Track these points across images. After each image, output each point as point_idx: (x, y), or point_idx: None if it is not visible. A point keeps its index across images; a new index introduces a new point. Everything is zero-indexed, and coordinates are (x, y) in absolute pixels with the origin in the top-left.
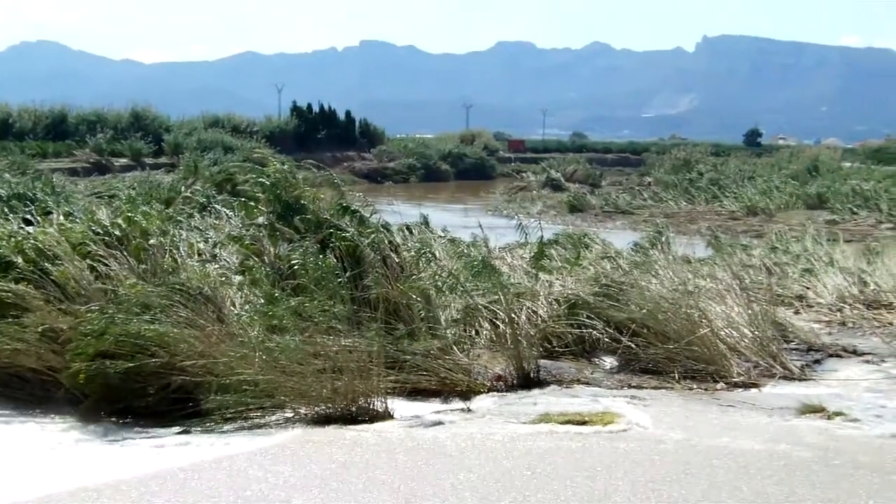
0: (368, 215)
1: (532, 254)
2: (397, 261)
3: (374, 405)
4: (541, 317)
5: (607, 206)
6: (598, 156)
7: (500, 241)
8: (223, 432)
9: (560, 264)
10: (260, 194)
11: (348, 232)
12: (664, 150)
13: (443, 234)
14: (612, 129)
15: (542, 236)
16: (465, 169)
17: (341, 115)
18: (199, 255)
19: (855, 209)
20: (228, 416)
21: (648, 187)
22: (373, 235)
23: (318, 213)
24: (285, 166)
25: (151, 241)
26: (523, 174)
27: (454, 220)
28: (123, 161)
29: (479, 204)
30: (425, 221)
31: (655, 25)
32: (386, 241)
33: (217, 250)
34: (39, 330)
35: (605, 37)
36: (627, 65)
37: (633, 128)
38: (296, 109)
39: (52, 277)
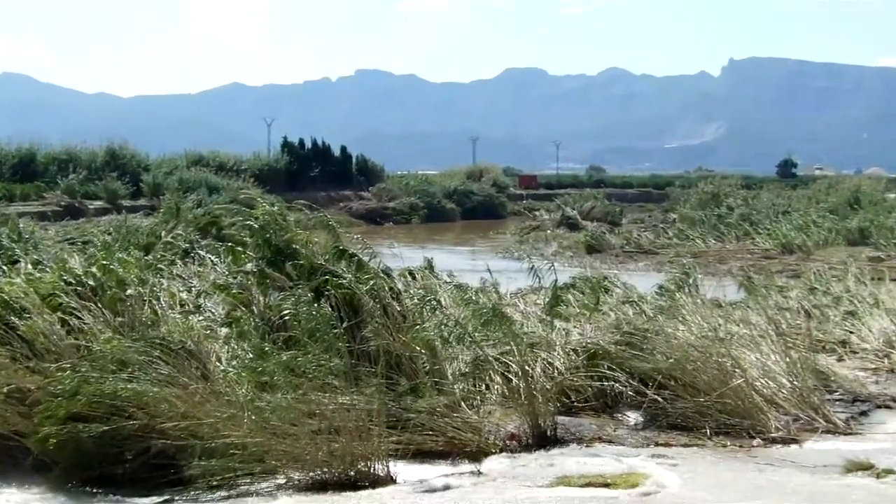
0: (367, 260)
1: (547, 299)
2: (399, 309)
3: (374, 469)
4: (557, 369)
5: (628, 245)
6: (617, 191)
7: (512, 286)
8: (208, 501)
9: (578, 310)
10: (248, 238)
11: (345, 278)
12: (689, 183)
13: (449, 280)
14: (632, 161)
15: (556, 280)
16: (473, 207)
17: (336, 151)
18: (182, 305)
19: None
20: (214, 483)
21: (673, 224)
22: (372, 282)
23: (312, 259)
24: (275, 207)
25: (129, 292)
26: (536, 212)
27: (461, 263)
28: (98, 204)
29: (488, 245)
30: (429, 266)
31: (677, 48)
32: (386, 288)
33: (201, 300)
34: (5, 391)
35: (622, 62)
36: (647, 91)
37: (654, 160)
38: (286, 145)
39: (18, 332)
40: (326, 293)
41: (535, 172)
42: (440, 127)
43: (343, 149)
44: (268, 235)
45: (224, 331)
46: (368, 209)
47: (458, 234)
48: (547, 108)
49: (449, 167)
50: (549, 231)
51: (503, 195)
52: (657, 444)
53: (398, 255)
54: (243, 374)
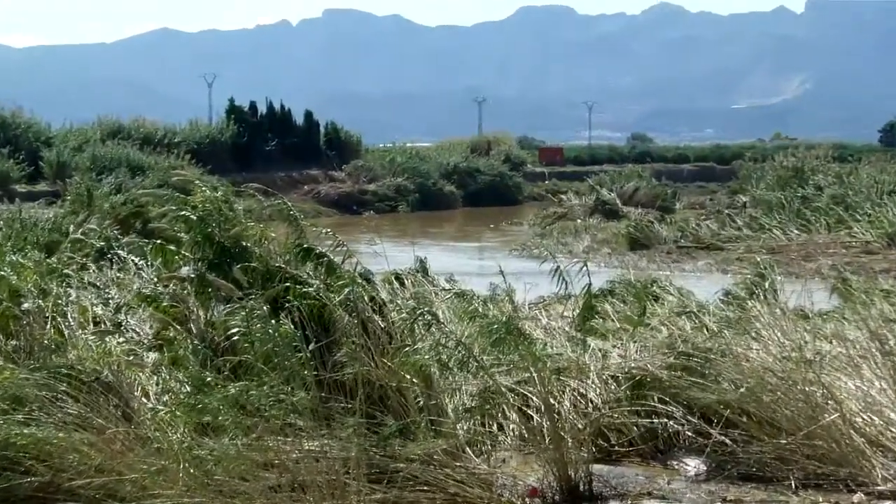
0: (340, 261)
1: (577, 311)
2: (383, 326)
3: None
4: (592, 402)
5: (684, 238)
6: (668, 167)
7: (531, 294)
8: None
9: (618, 325)
10: (183, 234)
11: (311, 286)
12: (764, 155)
13: (448, 286)
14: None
15: (590, 285)
16: (479, 191)
17: (299, 118)
18: (96, 323)
19: None
20: None
21: (743, 210)
22: (347, 290)
23: (268, 260)
24: (219, 193)
25: (25, 306)
26: (562, 196)
27: (464, 264)
28: None
29: (499, 240)
30: (422, 268)
31: None
32: (366, 299)
33: (122, 316)
34: None
35: None
36: (708, 35)
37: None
38: (233, 110)
39: None
40: (287, 305)
41: (560, 144)
42: (435, 85)
43: (308, 115)
44: (209, 230)
45: (152, 356)
46: (342, 194)
47: (459, 225)
48: (576, 59)
49: (447, 138)
50: (578, 221)
51: (518, 174)
52: (726, 501)
53: (381, 254)
54: (178, 413)
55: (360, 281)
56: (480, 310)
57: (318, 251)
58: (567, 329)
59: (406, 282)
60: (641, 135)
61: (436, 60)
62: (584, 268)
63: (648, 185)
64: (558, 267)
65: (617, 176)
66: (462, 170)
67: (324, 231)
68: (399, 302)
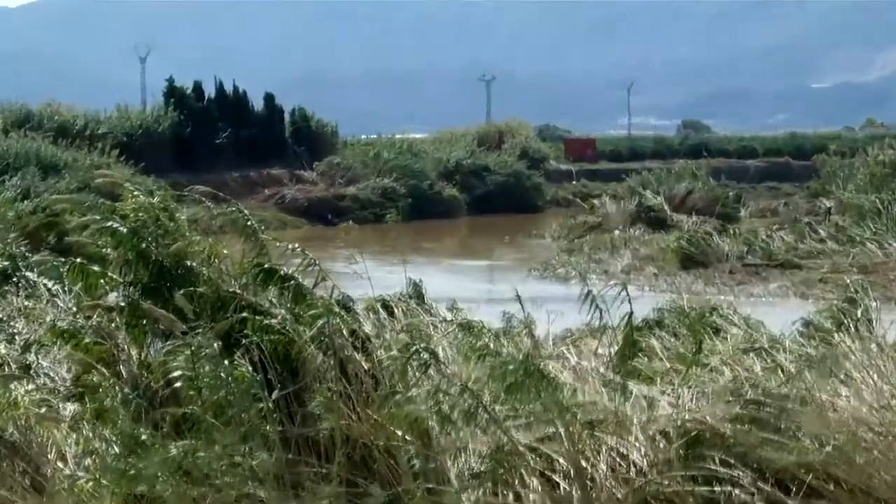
0: (311, 285)
1: (616, 347)
2: (367, 367)
3: None
4: (635, 465)
5: (751, 254)
6: (730, 163)
7: (557, 326)
8: None
9: (668, 365)
10: (110, 251)
11: (275, 316)
12: (853, 148)
13: (450, 316)
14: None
15: (631, 314)
16: (488, 194)
17: (258, 103)
18: None
19: None
20: None
21: (827, 218)
22: (321, 322)
23: (219, 284)
24: (156, 199)
25: None
26: (594, 201)
27: (470, 288)
28: None
29: (514, 258)
30: (417, 293)
31: None
32: (345, 332)
33: (31, 357)
34: None
35: None
36: None
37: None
38: (174, 93)
39: None
40: (244, 341)
41: (591, 134)
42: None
43: (269, 99)
44: (144, 246)
45: (70, 408)
46: (313, 199)
47: (463, 238)
48: (610, 27)
49: (447, 128)
50: (616, 232)
51: (538, 173)
52: None
53: (364, 275)
54: (104, 481)
55: (337, 310)
56: (491, 346)
57: (283, 272)
58: (602, 371)
59: (396, 311)
60: (695, 122)
61: (431, 31)
62: (624, 292)
63: (705, 186)
64: (590, 291)
65: (664, 175)
66: (466, 168)
67: (291, 247)
68: (387, 336)
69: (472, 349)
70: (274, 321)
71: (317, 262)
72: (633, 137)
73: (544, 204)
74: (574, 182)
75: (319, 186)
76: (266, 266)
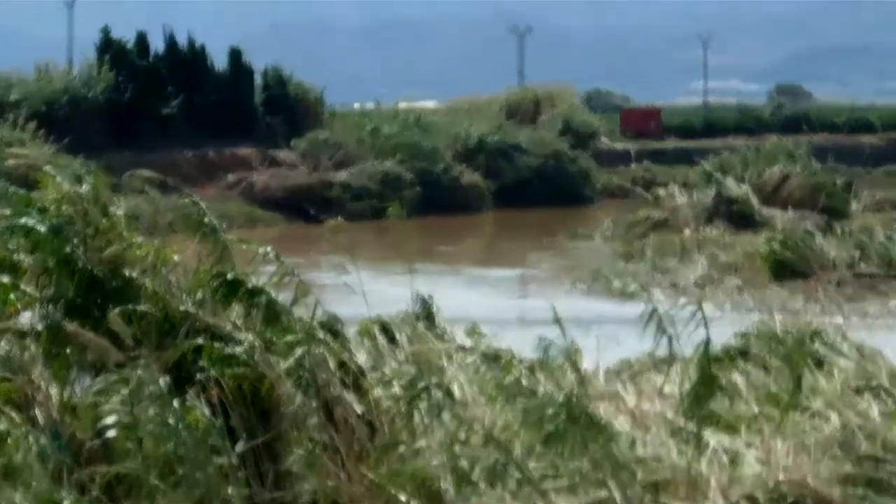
0: (289, 301)
1: (687, 385)
2: (360, 411)
3: None
4: None
5: (865, 261)
6: (838, 140)
7: (610, 355)
8: None
9: (756, 409)
10: (24, 257)
11: (240, 343)
12: None
13: (469, 342)
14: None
15: (708, 341)
16: (521, 182)
17: (220, 61)
18: None
19: None
20: None
21: None
22: (300, 350)
23: (168, 300)
24: (84, 187)
25: None
26: (660, 190)
27: (497, 306)
28: None
29: (555, 265)
30: (426, 312)
31: None
32: (332, 365)
33: None
34: None
35: None
36: None
37: None
38: (110, 48)
39: None
40: (200, 376)
41: (656, 104)
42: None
43: (235, 56)
44: (69, 250)
45: None
46: (292, 188)
47: (488, 239)
48: None
49: (468, 94)
50: (688, 232)
51: (586, 153)
52: None
53: (358, 289)
54: None
55: (321, 335)
56: (525, 383)
57: (251, 285)
58: (670, 416)
59: (399, 336)
60: (792, 86)
61: None
62: (699, 312)
63: (806, 170)
64: (654, 310)
65: (752, 156)
66: (492, 147)
67: (262, 251)
68: (388, 370)
69: (499, 387)
70: (239, 350)
71: (296, 271)
72: (710, 107)
73: (593, 194)
74: (633, 166)
75: (300, 171)
76: (229, 277)
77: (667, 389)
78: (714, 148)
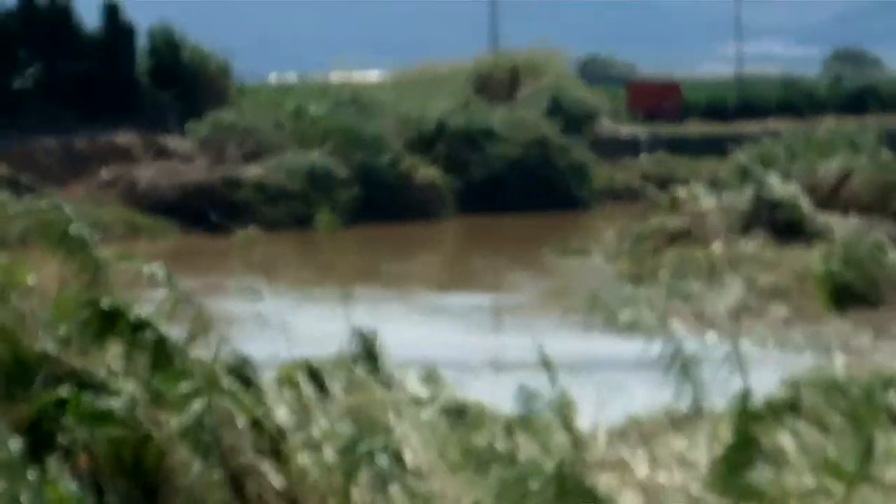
0: (186, 340)
1: (718, 449)
2: (279, 487)
3: None
4: None
5: None
6: None
7: (615, 411)
8: None
9: (810, 481)
10: None
11: (118, 394)
12: None
13: (427, 393)
14: None
15: (746, 391)
16: (494, 179)
17: (91, 18)
18: None
19: None
20: None
21: None
22: (198, 404)
23: (19, 337)
24: None
25: None
26: (680, 190)
27: (463, 344)
28: None
29: (541, 290)
30: (368, 352)
31: None
32: (242, 423)
33: None
34: None
35: None
36: None
37: None
38: None
39: None
40: (65, 440)
41: (673, 75)
42: None
43: (111, 11)
44: None
45: None
46: (188, 187)
47: (450, 257)
48: None
49: (423, 62)
50: (717, 245)
51: (581, 140)
52: None
53: (274, 321)
54: None
55: (227, 384)
56: (500, 446)
57: (134, 316)
58: (694, 491)
59: (332, 384)
60: (853, 51)
61: None
62: (734, 351)
63: (873, 164)
64: (674, 350)
65: (802, 145)
66: (456, 132)
67: (149, 270)
68: (317, 429)
69: (467, 451)
70: (116, 403)
71: (194, 297)
72: (745, 79)
73: (591, 196)
74: (643, 157)
75: (198, 164)
76: (104, 305)
77: (690, 456)
78: (751, 134)
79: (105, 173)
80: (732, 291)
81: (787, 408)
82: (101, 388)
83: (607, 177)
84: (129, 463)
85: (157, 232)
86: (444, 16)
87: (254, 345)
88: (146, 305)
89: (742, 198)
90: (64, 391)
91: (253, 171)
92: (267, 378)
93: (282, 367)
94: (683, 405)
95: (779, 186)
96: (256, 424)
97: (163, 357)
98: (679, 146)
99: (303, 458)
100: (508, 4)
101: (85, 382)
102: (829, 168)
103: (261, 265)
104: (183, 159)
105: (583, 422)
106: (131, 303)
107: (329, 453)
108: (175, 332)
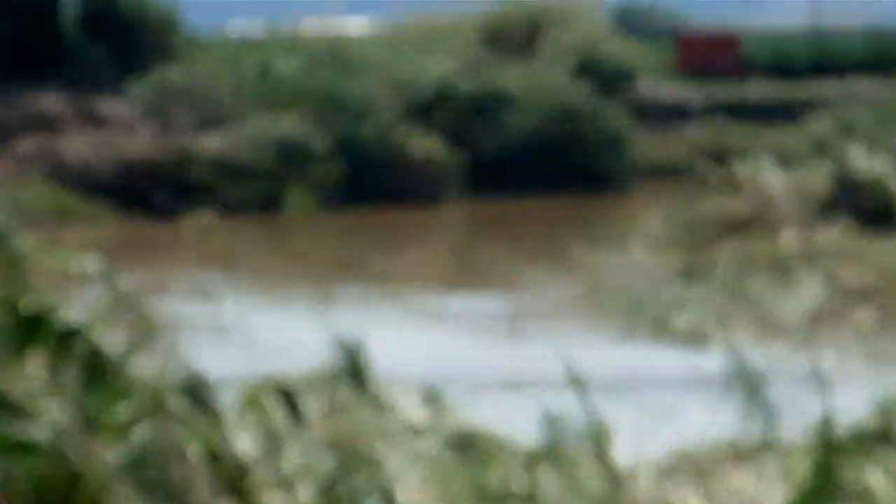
0: (126, 351)
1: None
2: None
3: None
4: None
5: None
6: None
7: (660, 440)
8: None
9: None
10: None
11: (41, 421)
12: None
13: (425, 418)
14: None
15: (826, 416)
16: (508, 156)
17: None
18: None
19: None
20: None
21: None
22: (141, 432)
23: None
24: None
25: None
26: (740, 167)
27: (470, 356)
28: None
29: (568, 291)
30: (354, 368)
31: None
32: (197, 457)
33: None
34: None
35: None
36: None
37: None
38: None
39: None
40: None
41: (731, 25)
42: None
43: None
44: None
45: None
46: (127, 163)
47: (454, 249)
48: None
49: (420, 12)
50: (789, 236)
51: (617, 105)
52: None
53: (236, 328)
54: None
55: (177, 406)
56: (519, 485)
57: (62, 322)
58: None
59: (308, 407)
60: None
61: None
62: (812, 366)
63: None
64: (740, 364)
65: (891, 110)
66: (462, 97)
67: (81, 265)
68: (288, 462)
69: (476, 492)
70: (38, 431)
71: (137, 298)
72: (820, 31)
73: (629, 174)
74: (695, 124)
75: (140, 135)
76: (24, 309)
77: (757, 497)
78: (828, 97)
79: (25, 145)
80: (808, 292)
81: (877, 437)
82: (19, 411)
83: (649, 150)
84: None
85: (90, 218)
86: None
87: (211, 357)
88: (77, 308)
89: (818, 176)
90: None
91: (208, 144)
92: (227, 399)
93: (245, 385)
94: (748, 434)
95: (864, 162)
96: (213, 456)
97: (97, 372)
98: (738, 112)
99: (271, 499)
100: None
101: (2, 404)
102: None
103: (219, 258)
104: (122, 128)
105: (622, 455)
106: (58, 305)
107: (304, 493)
108: (113, 341)
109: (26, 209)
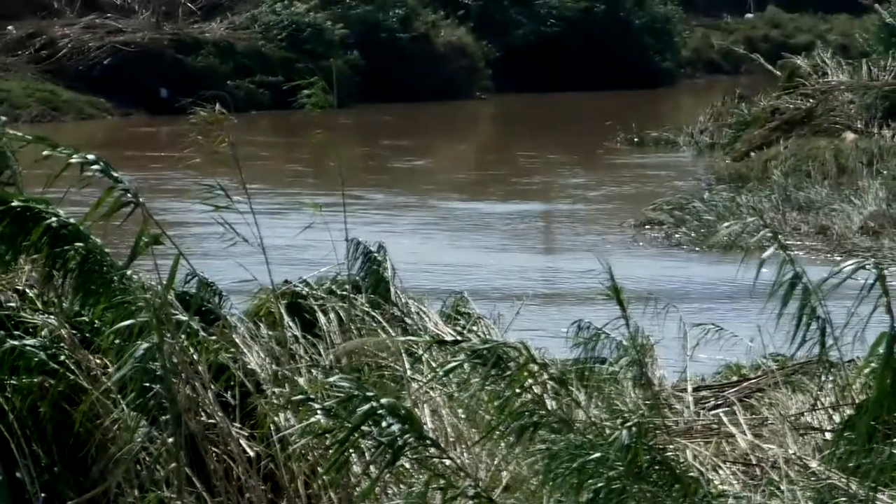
0: (129, 257)
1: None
2: (251, 454)
3: None
4: None
5: None
6: None
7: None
8: None
9: None
10: None
11: (35, 333)
12: None
13: (450, 332)
14: None
15: (893, 331)
16: (540, 46)
17: None
18: None
19: None
20: None
21: None
22: (144, 346)
23: None
24: None
25: None
26: (795, 58)
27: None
28: None
29: (605, 195)
30: (372, 273)
31: None
32: (204, 373)
33: None
34: None
35: None
36: None
37: None
38: None
39: None
40: None
41: None
42: None
43: None
44: None
45: None
46: (126, 50)
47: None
48: None
49: None
50: (849, 135)
51: None
52: None
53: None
54: None
55: (184, 318)
56: (551, 405)
57: (56, 221)
58: (815, 466)
59: (324, 319)
60: None
61: None
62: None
63: None
64: (795, 276)
65: None
66: None
67: (77, 160)
68: (303, 381)
69: (505, 412)
70: (33, 342)
71: (138, 196)
72: None
73: (677, 67)
74: (750, 15)
75: (139, 20)
76: (14, 204)
77: (809, 418)
78: None
79: (12, 31)
80: (871, 199)
81: None
82: (10, 321)
83: (699, 40)
84: (48, 424)
85: (86, 112)
86: None
87: (219, 265)
88: (72, 208)
89: (888, 71)
90: None
91: (213, 30)
92: (237, 310)
93: (256, 295)
94: (802, 351)
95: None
96: (222, 373)
97: (96, 280)
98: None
99: (282, 419)
100: None
101: None
102: None
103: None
104: (119, 13)
105: (664, 373)
106: (51, 204)
107: (318, 414)
108: (114, 245)
109: (14, 103)
